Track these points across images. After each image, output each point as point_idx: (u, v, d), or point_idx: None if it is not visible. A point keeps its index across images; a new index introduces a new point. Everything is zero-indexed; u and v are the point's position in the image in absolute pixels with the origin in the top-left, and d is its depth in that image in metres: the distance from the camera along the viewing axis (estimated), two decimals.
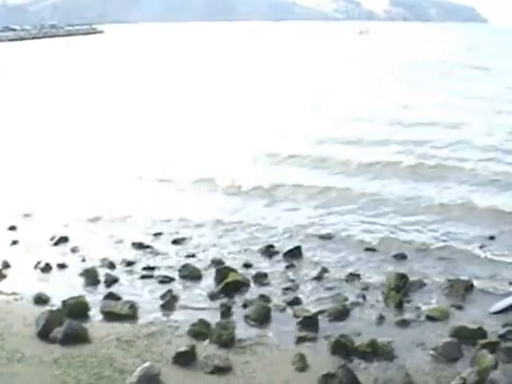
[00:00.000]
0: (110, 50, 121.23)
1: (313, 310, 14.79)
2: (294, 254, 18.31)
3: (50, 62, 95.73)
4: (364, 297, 15.60)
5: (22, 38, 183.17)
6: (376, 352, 12.96)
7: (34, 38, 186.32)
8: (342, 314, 14.69)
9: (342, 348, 13.01)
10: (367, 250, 18.76)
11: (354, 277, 16.73)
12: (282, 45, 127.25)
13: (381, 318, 14.56)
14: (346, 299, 15.46)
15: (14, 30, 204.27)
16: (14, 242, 19.73)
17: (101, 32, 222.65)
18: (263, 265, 17.77)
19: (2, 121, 43.92)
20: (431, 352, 13.09)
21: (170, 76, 70.39)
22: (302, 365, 12.46)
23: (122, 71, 78.16)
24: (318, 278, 16.78)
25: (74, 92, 59.54)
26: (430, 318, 14.55)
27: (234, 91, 56.79)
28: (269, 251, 18.57)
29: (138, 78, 70.12)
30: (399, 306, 15.08)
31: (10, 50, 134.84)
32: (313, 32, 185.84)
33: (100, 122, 42.54)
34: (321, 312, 14.69)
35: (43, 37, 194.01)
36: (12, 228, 20.91)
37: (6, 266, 17.83)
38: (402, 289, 15.76)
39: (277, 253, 18.50)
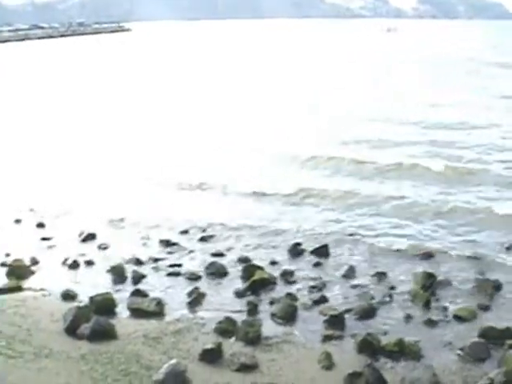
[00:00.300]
0: (135, 49, 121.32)
1: (339, 308, 14.79)
2: (321, 252, 18.27)
3: (77, 60, 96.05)
4: (391, 296, 15.55)
5: (50, 36, 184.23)
6: (403, 351, 12.92)
7: (62, 36, 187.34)
8: (368, 313, 14.66)
9: (369, 347, 12.99)
10: (394, 250, 18.67)
11: (380, 275, 16.67)
12: (306, 43, 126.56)
13: (408, 317, 14.51)
14: (372, 298, 15.42)
15: (42, 27, 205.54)
16: (43, 239, 19.89)
17: (128, 30, 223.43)
18: (290, 263, 17.75)
19: (28, 118, 44.18)
20: (458, 352, 13.04)
21: (189, 75, 69.78)
22: (328, 363, 12.46)
23: (145, 70, 77.79)
24: (345, 276, 16.75)
25: (95, 90, 59.43)
26: (457, 318, 14.48)
27: (253, 91, 56.13)
28: (296, 249, 18.54)
29: (160, 77, 69.68)
30: (426, 306, 15.02)
31: (39, 48, 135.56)
32: (339, 30, 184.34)
33: (120, 120, 42.49)
34: (347, 310, 14.67)
35: (71, 35, 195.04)
36: (40, 225, 21.06)
37: (35, 262, 17.97)
38: (429, 288, 15.70)
39: (304, 251, 18.47)
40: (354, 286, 16.16)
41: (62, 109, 48.52)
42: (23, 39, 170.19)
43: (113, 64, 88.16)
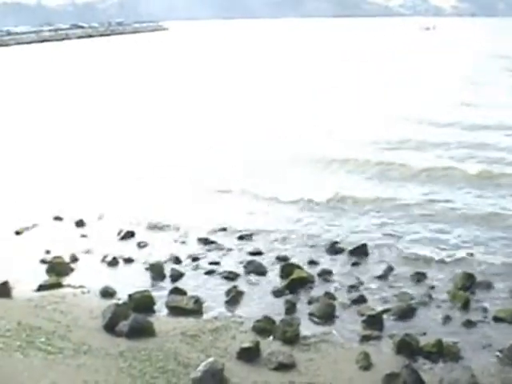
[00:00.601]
0: (170, 48, 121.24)
1: (378, 308, 14.73)
2: (360, 251, 18.20)
3: (113, 60, 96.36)
4: (430, 296, 15.43)
5: (90, 36, 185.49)
6: (441, 352, 12.83)
7: (101, 36, 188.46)
8: (407, 313, 14.58)
9: (407, 347, 12.91)
10: (434, 250, 18.50)
11: (420, 276, 16.55)
12: (342, 42, 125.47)
13: (447, 318, 14.40)
14: (411, 298, 15.32)
15: (82, 27, 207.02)
16: (82, 237, 20.07)
17: (166, 29, 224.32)
18: (328, 262, 17.71)
19: (62, 116, 44.56)
20: (497, 354, 12.92)
21: (218, 76, 68.99)
22: (366, 363, 12.41)
23: (177, 70, 77.35)
24: (384, 276, 16.67)
25: (125, 90, 59.33)
26: (496, 319, 14.35)
27: (285, 91, 55.36)
28: (334, 248, 18.49)
29: (191, 77, 69.18)
30: (466, 306, 14.90)
31: (79, 48, 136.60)
32: (377, 28, 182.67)
33: (152, 120, 42.50)
34: (386, 310, 14.61)
35: (110, 34, 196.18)
36: (80, 223, 21.23)
37: (74, 259, 18.14)
38: (468, 289, 15.59)
39: (342, 250, 18.41)
40: (393, 286, 16.09)
41: (92, 108, 48.74)
42: (63, 39, 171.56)
43: (147, 64, 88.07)
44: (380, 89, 54.59)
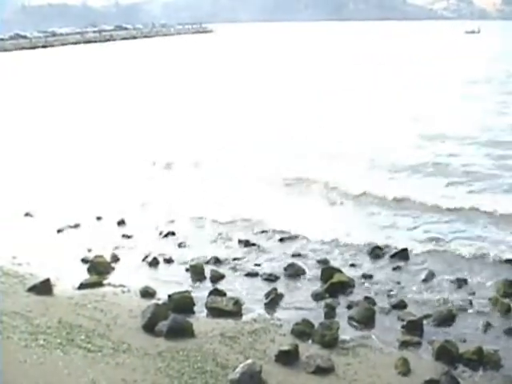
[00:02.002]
0: (213, 51, 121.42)
1: (418, 313, 14.60)
2: (401, 256, 18.09)
3: (154, 63, 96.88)
4: (471, 302, 15.27)
5: (134, 37, 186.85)
6: (482, 360, 12.68)
7: (145, 37, 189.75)
8: (447, 319, 14.43)
9: (447, 354, 12.79)
10: (476, 256, 18.30)
11: (461, 282, 16.38)
12: (381, 46, 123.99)
13: (488, 325, 14.23)
14: (452, 304, 15.17)
15: (126, 29, 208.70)
16: (123, 236, 20.22)
17: (210, 31, 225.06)
18: (369, 266, 17.64)
19: (102, 116, 44.97)
20: None
21: (255, 78, 68.73)
22: (404, 369, 12.30)
23: (218, 73, 77.34)
24: (425, 281, 16.54)
25: (166, 91, 59.53)
26: None
27: (336, 95, 55.11)
28: (375, 253, 18.40)
29: (234, 79, 69.25)
30: (507, 314, 14.71)
31: (122, 49, 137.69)
32: (419, 31, 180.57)
33: (189, 117, 42.75)
34: (426, 316, 14.48)
35: (154, 36, 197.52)
36: (121, 223, 21.40)
37: (115, 258, 18.29)
38: (510, 296, 15.38)
39: (384, 254, 18.33)
40: (433, 292, 15.94)
41: (132, 108, 49.09)
42: (107, 40, 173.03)
43: (189, 66, 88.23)
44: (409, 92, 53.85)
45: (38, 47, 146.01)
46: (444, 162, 28.80)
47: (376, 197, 23.46)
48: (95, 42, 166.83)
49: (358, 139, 34.09)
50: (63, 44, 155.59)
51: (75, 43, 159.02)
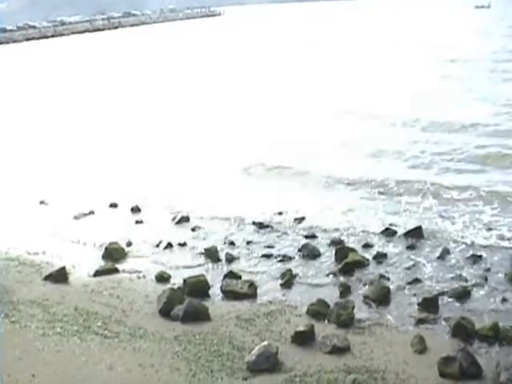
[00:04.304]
0: (224, 35, 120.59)
1: (433, 291, 14.59)
2: (415, 234, 18.02)
3: (162, 49, 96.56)
4: (486, 279, 15.23)
5: (143, 23, 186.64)
6: (498, 336, 12.65)
7: (154, 23, 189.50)
8: (462, 296, 14.41)
9: (463, 331, 12.77)
10: (490, 230, 18.25)
11: (476, 258, 16.35)
12: (393, 23, 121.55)
13: (503, 301, 14.21)
14: (467, 281, 15.14)
15: (134, 15, 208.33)
16: (137, 222, 20.29)
17: (219, 14, 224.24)
18: (383, 245, 17.61)
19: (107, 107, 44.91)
20: None
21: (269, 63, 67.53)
22: (421, 347, 12.29)
23: (227, 57, 76.21)
24: (439, 258, 16.51)
25: (178, 77, 59.14)
26: None
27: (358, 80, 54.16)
28: (389, 231, 18.35)
29: (238, 64, 68.20)
30: None
31: (132, 36, 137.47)
32: (429, 6, 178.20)
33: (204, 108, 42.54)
34: (441, 293, 14.47)
35: (163, 21, 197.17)
36: (135, 209, 21.46)
37: (130, 245, 18.33)
38: None
39: (397, 233, 18.26)
40: (448, 269, 15.92)
41: (144, 96, 49.03)
42: (116, 27, 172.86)
43: (199, 51, 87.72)
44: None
45: (47, 37, 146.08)
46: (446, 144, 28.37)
47: (376, 181, 23.21)
48: (104, 29, 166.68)
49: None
50: (73, 33, 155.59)
51: (84, 32, 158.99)
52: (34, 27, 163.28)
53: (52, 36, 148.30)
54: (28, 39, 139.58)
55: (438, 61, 55.69)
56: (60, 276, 16.11)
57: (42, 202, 22.77)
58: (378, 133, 30.63)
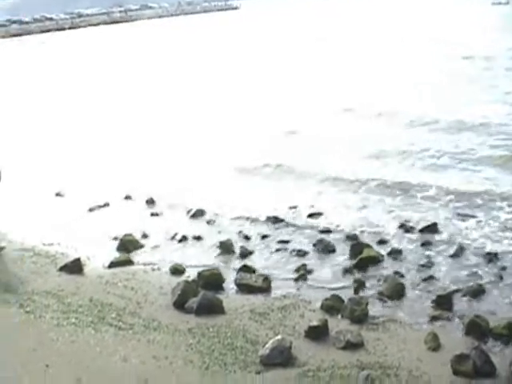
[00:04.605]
0: (238, 28, 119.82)
1: (448, 288, 14.54)
2: (431, 230, 17.98)
3: (179, 42, 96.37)
4: (501, 277, 15.15)
5: (160, 16, 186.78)
6: None
7: (171, 16, 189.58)
8: (477, 294, 14.34)
9: (477, 329, 12.71)
10: (506, 228, 18.17)
11: (491, 256, 16.24)
12: (404, 18, 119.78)
13: None
14: (482, 279, 15.07)
15: (151, 8, 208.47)
16: (153, 215, 20.35)
17: (236, 8, 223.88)
18: (398, 241, 17.54)
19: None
20: None
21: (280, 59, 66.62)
22: (434, 344, 12.26)
23: (237, 51, 75.39)
24: (455, 255, 16.43)
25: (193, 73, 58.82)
26: None
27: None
28: (404, 227, 18.30)
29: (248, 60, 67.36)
30: None
31: (149, 29, 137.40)
32: (443, 2, 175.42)
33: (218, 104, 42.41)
34: (456, 291, 14.41)
35: (180, 14, 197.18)
36: (150, 201, 21.52)
37: (145, 237, 18.39)
38: None
39: (412, 229, 18.21)
40: (463, 266, 15.85)
41: (160, 90, 49.00)
42: (134, 20, 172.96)
43: (215, 46, 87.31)
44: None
45: (64, 29, 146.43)
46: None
47: (390, 179, 23.07)
48: (121, 22, 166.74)
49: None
50: (90, 25, 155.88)
51: (101, 24, 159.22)
52: (50, 19, 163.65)
53: (69, 28, 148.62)
54: (44, 31, 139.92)
55: (448, 58, 54.90)
56: (75, 267, 16.18)
57: (57, 194, 22.88)
58: (389, 131, 30.27)
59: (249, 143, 29.52)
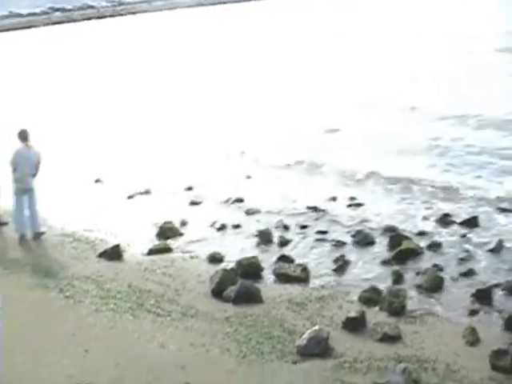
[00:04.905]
0: (268, 19, 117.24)
1: (487, 282, 14.40)
2: (471, 223, 17.84)
3: (216, 31, 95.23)
4: None
5: (201, 4, 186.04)
6: None
7: (211, 5, 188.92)
8: None
9: None
10: None
11: None
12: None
13: None
14: None
15: None
16: (192, 203, 20.43)
17: None
18: (438, 234, 17.42)
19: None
20: None
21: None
22: (472, 339, 12.16)
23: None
24: (494, 249, 16.26)
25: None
26: None
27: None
28: (444, 220, 18.16)
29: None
30: None
31: (190, 18, 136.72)
32: None
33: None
34: (496, 285, 14.27)
35: (219, 3, 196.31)
36: (190, 189, 21.60)
37: (184, 224, 18.48)
38: None
39: (453, 222, 18.07)
40: (504, 260, 15.71)
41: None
42: (176, 7, 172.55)
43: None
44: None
45: (105, 17, 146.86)
46: None
47: (427, 173, 22.87)
48: (162, 10, 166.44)
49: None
50: (130, 13, 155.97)
51: (142, 12, 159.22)
52: (92, 7, 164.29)
53: (111, 16, 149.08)
54: (86, 19, 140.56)
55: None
56: (114, 253, 16.32)
57: (97, 181, 23.04)
58: (420, 126, 29.80)
59: (279, 139, 29.16)
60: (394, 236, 16.83)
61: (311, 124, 30.67)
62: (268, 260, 15.89)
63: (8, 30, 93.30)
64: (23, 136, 17.12)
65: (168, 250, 16.80)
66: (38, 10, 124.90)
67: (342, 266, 15.52)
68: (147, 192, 21.56)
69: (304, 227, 18.12)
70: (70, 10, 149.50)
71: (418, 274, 14.97)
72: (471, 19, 74.30)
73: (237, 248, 16.82)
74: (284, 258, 15.82)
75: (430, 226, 17.98)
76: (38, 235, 17.49)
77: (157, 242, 17.27)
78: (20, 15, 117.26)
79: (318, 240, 17.25)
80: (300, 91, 39.94)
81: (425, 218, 18.57)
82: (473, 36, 58.54)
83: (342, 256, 15.93)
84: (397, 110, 32.51)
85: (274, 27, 77.37)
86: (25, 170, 17.06)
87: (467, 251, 16.20)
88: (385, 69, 46.02)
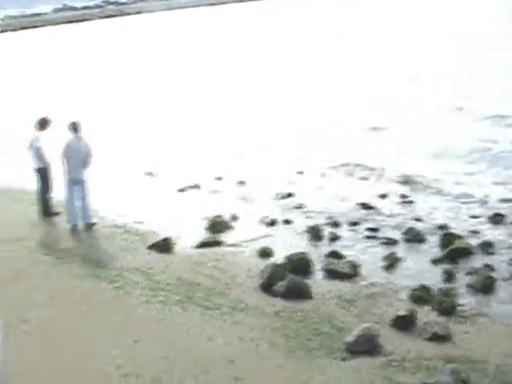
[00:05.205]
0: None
1: None
2: None
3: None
4: None
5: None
6: None
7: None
8: None
9: None
10: None
11: None
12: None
13: None
14: None
15: None
16: (243, 197, 20.48)
17: None
18: (490, 233, 17.20)
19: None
20: None
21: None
22: None
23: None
24: None
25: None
26: None
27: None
28: (497, 219, 17.94)
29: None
30: None
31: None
32: None
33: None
34: None
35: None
36: (241, 183, 21.66)
37: (234, 218, 18.51)
38: None
39: (505, 222, 17.84)
40: None
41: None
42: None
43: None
44: None
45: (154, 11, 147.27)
46: None
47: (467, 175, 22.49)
48: (186, 7, 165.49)
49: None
50: (178, 8, 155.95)
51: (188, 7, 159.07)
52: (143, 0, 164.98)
53: (137, 13, 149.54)
54: (138, 13, 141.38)
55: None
56: (164, 246, 16.40)
57: (148, 174, 23.20)
58: (458, 126, 29.35)
59: (322, 138, 28.79)
60: (446, 234, 16.67)
61: (350, 123, 30.38)
62: (317, 256, 15.86)
63: (62, 22, 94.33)
64: (74, 128, 17.30)
65: (218, 243, 16.85)
66: (91, 4, 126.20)
67: (392, 263, 15.44)
68: (197, 186, 21.64)
69: (354, 224, 18.03)
70: (123, 4, 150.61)
71: (469, 273, 14.80)
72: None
73: (287, 243, 16.77)
74: (334, 254, 15.79)
75: (482, 225, 17.77)
76: (89, 226, 17.65)
77: (207, 236, 17.35)
78: (74, 8, 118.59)
79: (368, 237, 17.15)
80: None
81: (476, 217, 18.35)
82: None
83: (393, 253, 15.82)
84: (445, 109, 32.05)
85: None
86: (75, 161, 17.23)
87: None
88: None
